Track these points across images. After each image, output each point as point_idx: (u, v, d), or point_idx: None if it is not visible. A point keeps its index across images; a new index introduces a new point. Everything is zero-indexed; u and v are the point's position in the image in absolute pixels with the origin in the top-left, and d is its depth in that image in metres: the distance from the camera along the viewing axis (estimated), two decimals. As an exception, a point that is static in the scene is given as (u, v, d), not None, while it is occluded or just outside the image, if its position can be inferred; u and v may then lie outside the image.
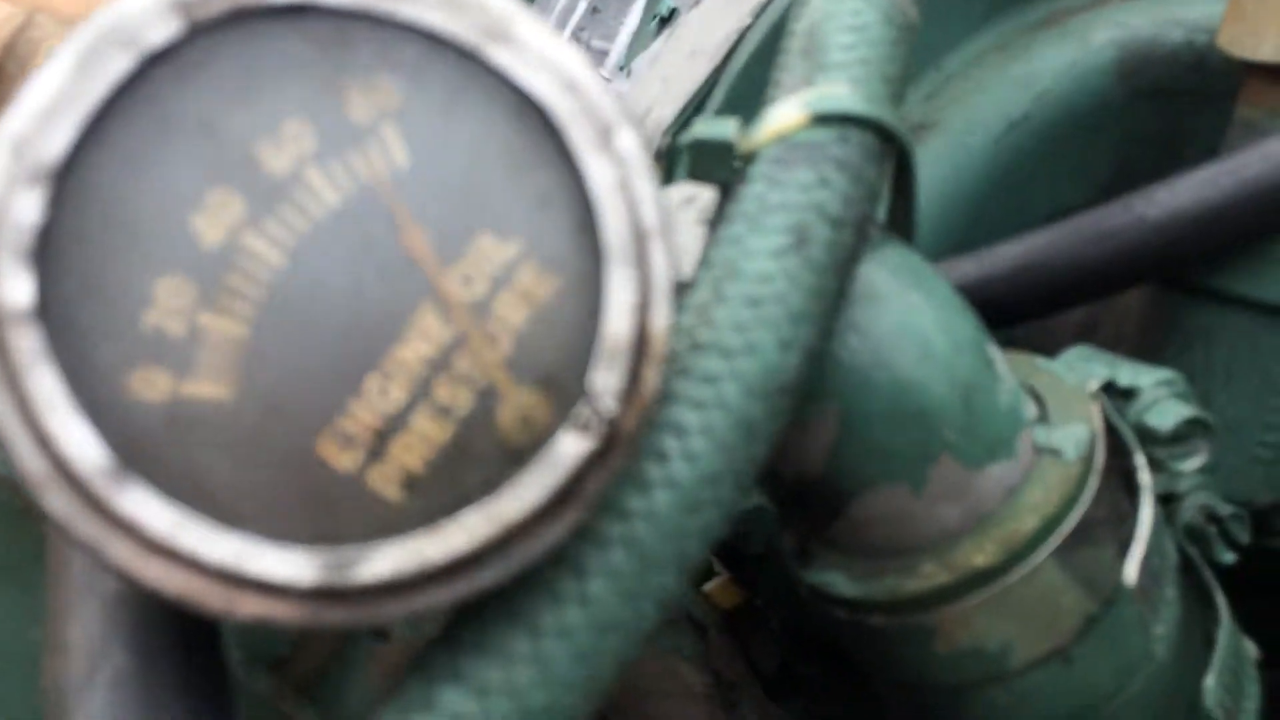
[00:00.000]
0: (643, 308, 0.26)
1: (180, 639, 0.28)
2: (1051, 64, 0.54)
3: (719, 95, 0.58)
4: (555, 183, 0.26)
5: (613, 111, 0.26)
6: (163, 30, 0.24)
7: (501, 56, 0.26)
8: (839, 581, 0.38)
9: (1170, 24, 0.54)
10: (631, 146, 0.26)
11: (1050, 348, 0.53)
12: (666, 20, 0.80)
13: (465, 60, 0.26)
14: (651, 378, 0.26)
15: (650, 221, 0.26)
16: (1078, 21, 0.56)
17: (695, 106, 0.59)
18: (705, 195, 0.37)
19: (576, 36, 0.87)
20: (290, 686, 0.42)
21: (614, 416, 0.26)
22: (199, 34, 0.25)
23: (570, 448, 0.26)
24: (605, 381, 0.26)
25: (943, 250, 0.55)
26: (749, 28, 0.58)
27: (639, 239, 0.26)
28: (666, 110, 0.60)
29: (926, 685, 0.38)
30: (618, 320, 0.26)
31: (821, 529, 0.39)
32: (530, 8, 0.92)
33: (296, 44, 0.25)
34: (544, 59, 0.26)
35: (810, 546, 0.40)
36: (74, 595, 0.29)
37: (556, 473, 0.25)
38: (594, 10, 0.86)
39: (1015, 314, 0.46)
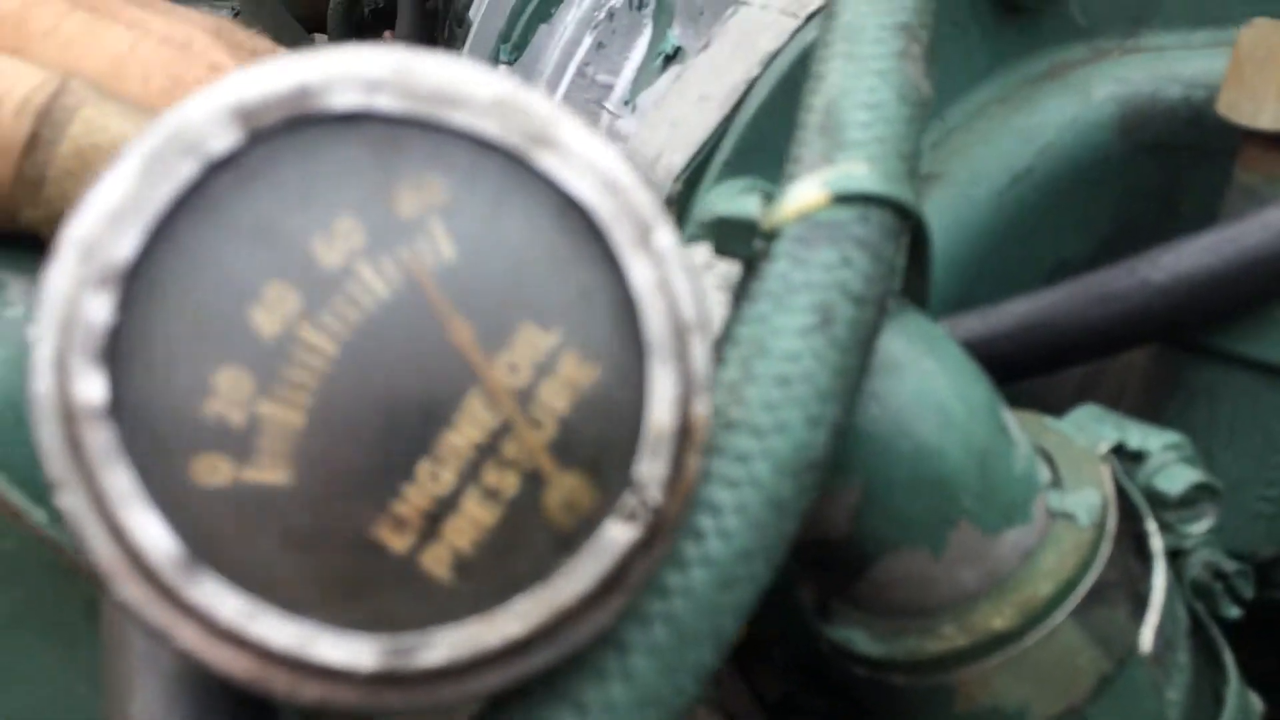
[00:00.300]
0: (684, 399, 0.27)
1: (238, 714, 0.29)
2: (1054, 118, 0.56)
3: (728, 145, 0.59)
4: (597, 280, 0.27)
5: (651, 210, 0.27)
6: (225, 139, 0.26)
7: (547, 160, 0.27)
8: (860, 640, 0.39)
9: (1169, 80, 0.56)
10: (670, 244, 0.27)
11: (1052, 399, 0.55)
12: (671, 58, 0.81)
13: (512, 163, 0.27)
14: (694, 465, 0.27)
15: (690, 316, 0.27)
16: (1078, 75, 0.57)
17: (705, 154, 0.60)
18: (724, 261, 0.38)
19: (582, 71, 0.88)
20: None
21: (659, 505, 0.27)
22: (258, 141, 0.26)
23: (617, 536, 0.27)
24: (650, 471, 0.27)
25: (948, 299, 0.56)
26: (757, 78, 0.60)
27: (679, 333, 0.27)
28: (677, 157, 0.62)
29: (945, 743, 0.39)
30: (661, 412, 0.27)
31: (842, 588, 0.40)
32: (534, 41, 0.93)
33: (351, 148, 0.26)
34: (587, 162, 0.27)
35: (830, 604, 0.41)
36: (135, 671, 0.30)
37: (604, 561, 0.27)
38: (599, 45, 0.87)
39: (1020, 371, 0.48)
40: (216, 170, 0.26)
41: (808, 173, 0.36)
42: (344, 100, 0.26)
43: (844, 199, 0.35)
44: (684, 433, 0.27)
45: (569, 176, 0.27)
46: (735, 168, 0.58)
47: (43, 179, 0.40)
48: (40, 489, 0.38)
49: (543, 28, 1.00)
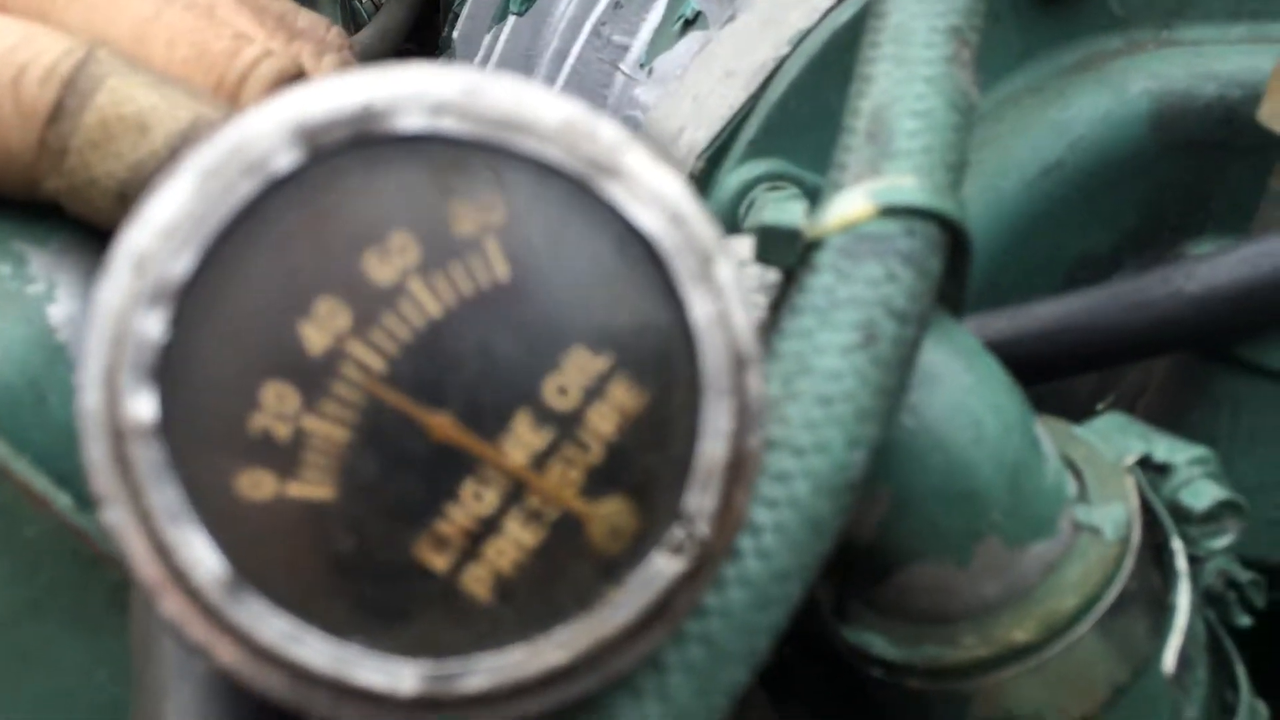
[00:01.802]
0: (739, 434, 0.27)
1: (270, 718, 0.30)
2: (1086, 112, 0.55)
3: (754, 124, 0.58)
4: (653, 309, 0.27)
5: (713, 242, 0.27)
6: (287, 158, 0.25)
7: (611, 189, 0.26)
8: (878, 643, 0.39)
9: (1204, 77, 0.55)
10: (730, 276, 0.27)
11: (1068, 394, 0.55)
12: (691, 22, 0.80)
13: (575, 188, 0.26)
14: (742, 500, 0.27)
15: (747, 350, 0.27)
16: (1112, 69, 0.56)
17: (730, 132, 0.59)
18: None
19: (598, 31, 0.87)
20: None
21: (706, 539, 0.27)
22: (319, 159, 0.25)
23: (663, 568, 0.27)
24: (699, 505, 0.27)
25: (970, 290, 0.55)
26: (787, 57, 0.59)
27: (737, 367, 0.27)
28: (700, 133, 0.61)
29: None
30: (713, 446, 0.27)
31: (862, 590, 0.40)
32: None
33: (412, 168, 0.26)
34: (652, 192, 0.26)
35: (849, 605, 0.41)
36: (167, 676, 0.30)
37: (649, 593, 0.27)
38: (617, 5, 0.86)
39: (1046, 373, 0.48)
40: (276, 187, 0.25)
41: (854, 182, 0.36)
42: (409, 122, 0.25)
43: (890, 212, 0.34)
44: (735, 467, 0.27)
45: (633, 206, 0.26)
46: (761, 147, 0.57)
47: (66, 149, 0.39)
48: (63, 472, 0.38)
49: (555, -20, 0.98)
